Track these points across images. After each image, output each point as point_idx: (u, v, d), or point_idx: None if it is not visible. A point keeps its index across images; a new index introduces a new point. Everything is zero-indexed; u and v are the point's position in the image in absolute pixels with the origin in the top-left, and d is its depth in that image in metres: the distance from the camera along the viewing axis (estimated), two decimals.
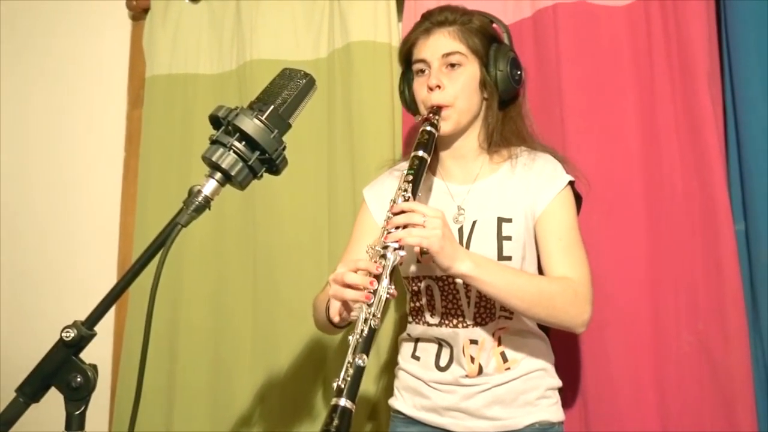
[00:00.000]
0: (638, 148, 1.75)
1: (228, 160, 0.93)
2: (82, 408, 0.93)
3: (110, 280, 2.20)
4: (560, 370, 1.51)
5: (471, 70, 1.44)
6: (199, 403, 2.02)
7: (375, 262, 1.18)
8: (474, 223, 1.43)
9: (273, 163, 0.96)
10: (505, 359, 1.41)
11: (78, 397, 0.92)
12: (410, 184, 1.27)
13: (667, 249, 1.72)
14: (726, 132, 1.76)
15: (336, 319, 1.24)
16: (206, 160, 0.94)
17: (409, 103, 1.54)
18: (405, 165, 1.33)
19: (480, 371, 1.40)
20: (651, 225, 1.73)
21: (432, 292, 1.45)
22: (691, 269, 1.71)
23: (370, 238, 1.30)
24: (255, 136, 0.93)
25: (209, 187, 0.94)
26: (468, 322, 1.42)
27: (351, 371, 1.06)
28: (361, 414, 1.86)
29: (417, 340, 1.51)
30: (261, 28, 2.10)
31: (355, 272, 1.18)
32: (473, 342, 1.41)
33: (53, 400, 0.94)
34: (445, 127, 1.42)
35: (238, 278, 2.06)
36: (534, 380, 1.43)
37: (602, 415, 1.68)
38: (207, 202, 0.93)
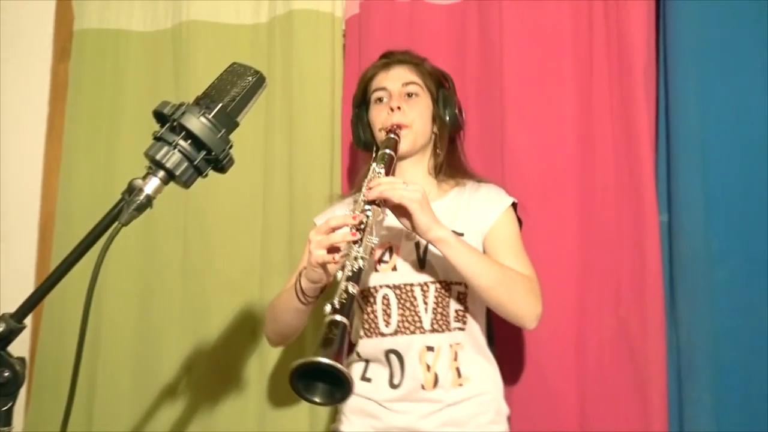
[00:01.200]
0: (574, 137, 1.78)
1: (173, 159, 0.89)
2: (10, 404, 0.90)
3: (31, 242, 2.12)
4: None
5: (426, 101, 1.57)
6: (123, 371, 1.97)
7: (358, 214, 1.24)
8: None
9: (219, 163, 0.93)
10: (459, 374, 1.44)
11: (6, 392, 0.89)
12: (383, 168, 1.35)
13: (596, 237, 1.77)
14: (657, 127, 1.80)
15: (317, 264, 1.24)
16: (149, 157, 0.90)
17: (363, 140, 1.63)
18: (356, 197, 1.35)
19: (436, 382, 1.42)
20: (582, 214, 1.77)
21: (388, 301, 1.47)
22: (617, 257, 1.76)
23: None
24: (201, 136, 0.90)
25: (151, 185, 0.90)
26: (425, 328, 1.44)
27: (345, 295, 1.10)
28: None
29: (367, 362, 1.51)
30: None
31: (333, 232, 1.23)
32: (430, 349, 1.44)
33: None
34: (403, 145, 1.50)
35: (168, 245, 2.01)
36: (486, 404, 1.46)
37: (524, 395, 1.74)
38: (149, 201, 0.90)
